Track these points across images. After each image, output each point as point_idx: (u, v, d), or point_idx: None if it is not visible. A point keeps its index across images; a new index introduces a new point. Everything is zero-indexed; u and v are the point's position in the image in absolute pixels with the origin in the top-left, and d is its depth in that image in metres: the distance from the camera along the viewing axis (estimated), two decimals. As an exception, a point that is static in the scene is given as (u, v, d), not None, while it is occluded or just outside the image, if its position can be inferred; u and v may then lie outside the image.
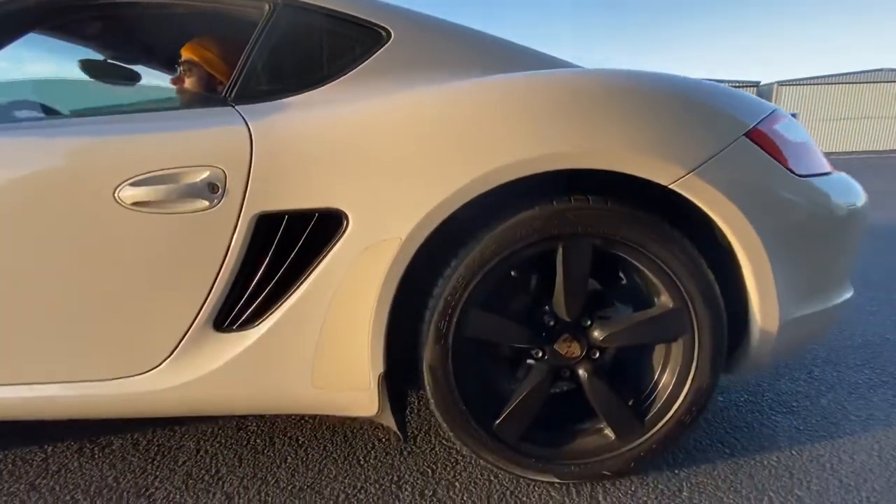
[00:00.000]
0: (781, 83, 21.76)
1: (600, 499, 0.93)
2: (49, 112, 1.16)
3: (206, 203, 0.84)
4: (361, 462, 1.06)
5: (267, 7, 0.98)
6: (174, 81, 1.19)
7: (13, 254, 0.87)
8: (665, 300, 0.89)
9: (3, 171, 0.87)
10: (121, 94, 1.45)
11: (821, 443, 1.08)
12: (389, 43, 0.98)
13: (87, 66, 1.38)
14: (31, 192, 0.86)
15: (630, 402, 0.94)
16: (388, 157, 0.84)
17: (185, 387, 0.92)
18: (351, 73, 0.95)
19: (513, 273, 0.90)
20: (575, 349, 0.92)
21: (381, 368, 0.88)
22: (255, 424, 1.22)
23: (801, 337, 0.97)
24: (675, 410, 0.92)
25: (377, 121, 0.87)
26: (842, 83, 21.78)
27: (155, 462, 1.09)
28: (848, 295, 1.02)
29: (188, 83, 1.17)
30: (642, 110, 0.82)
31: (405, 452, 1.09)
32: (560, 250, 0.85)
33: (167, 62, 1.45)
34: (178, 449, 1.13)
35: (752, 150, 0.85)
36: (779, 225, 0.86)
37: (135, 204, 0.84)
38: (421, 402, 1.31)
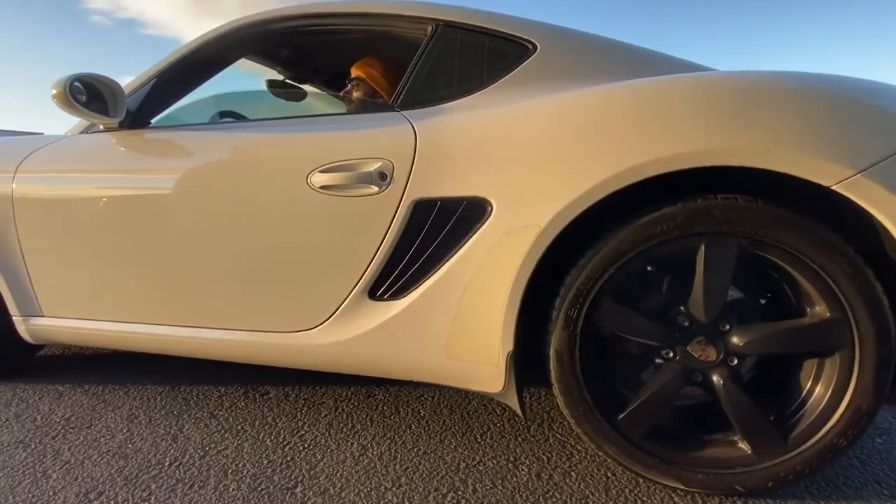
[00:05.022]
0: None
1: (731, 514, 0.88)
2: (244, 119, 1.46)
3: (376, 189, 1.00)
4: (478, 440, 1.13)
5: (430, 28, 1.15)
6: (344, 94, 1.42)
7: (221, 224, 1.11)
8: (821, 310, 0.83)
9: (218, 159, 1.12)
10: (295, 106, 1.75)
11: None
12: (536, 54, 1.08)
13: (271, 84, 1.71)
14: (240, 176, 1.10)
15: (771, 417, 0.89)
16: (533, 152, 0.92)
17: (337, 345, 1.08)
18: (501, 80, 1.07)
19: (649, 268, 0.92)
20: (710, 353, 0.90)
21: (510, 347, 0.95)
22: (381, 394, 1.37)
23: None
24: (827, 431, 0.84)
25: (524, 120, 0.96)
26: None
27: (303, 411, 1.27)
28: None
29: (355, 95, 1.39)
30: (801, 109, 0.80)
31: (519, 438, 1.14)
32: (702, 249, 0.85)
33: (333, 80, 1.74)
34: (321, 404, 1.31)
35: (938, 154, 0.78)
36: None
37: (322, 187, 1.03)
38: (533, 398, 1.35)
